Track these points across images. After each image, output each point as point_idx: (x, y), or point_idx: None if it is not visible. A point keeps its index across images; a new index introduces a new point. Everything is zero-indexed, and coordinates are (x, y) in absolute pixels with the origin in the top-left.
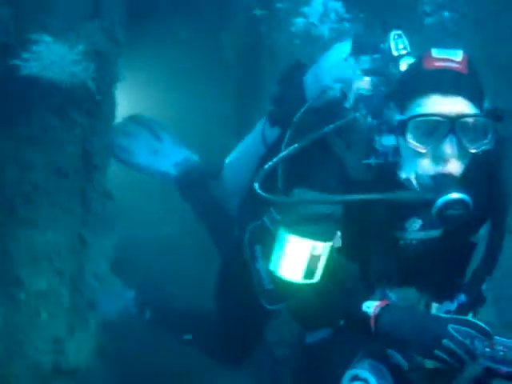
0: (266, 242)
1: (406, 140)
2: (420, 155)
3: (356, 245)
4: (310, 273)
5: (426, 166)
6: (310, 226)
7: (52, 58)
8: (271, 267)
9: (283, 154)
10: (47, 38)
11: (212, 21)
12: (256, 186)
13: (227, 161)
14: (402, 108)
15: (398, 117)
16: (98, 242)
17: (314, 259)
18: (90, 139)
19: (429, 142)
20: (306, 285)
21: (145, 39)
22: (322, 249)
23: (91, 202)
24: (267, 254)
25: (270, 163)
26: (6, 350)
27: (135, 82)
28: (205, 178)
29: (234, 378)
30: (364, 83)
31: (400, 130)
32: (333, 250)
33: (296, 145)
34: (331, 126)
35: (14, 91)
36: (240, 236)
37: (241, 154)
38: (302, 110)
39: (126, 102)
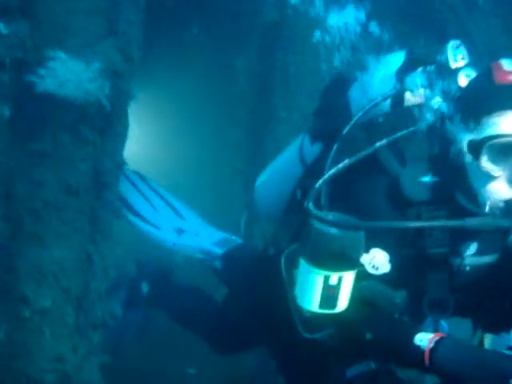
0: None
1: (479, 162)
2: (493, 178)
3: (406, 270)
4: (327, 302)
5: (500, 189)
6: (327, 256)
7: (67, 75)
8: (294, 294)
9: (332, 171)
10: (63, 55)
11: (226, 46)
12: (311, 206)
13: (258, 182)
14: (471, 126)
15: (467, 136)
16: (104, 260)
17: (330, 288)
18: (101, 158)
19: (505, 164)
20: (338, 314)
21: (158, 61)
22: (339, 279)
23: (100, 220)
24: None
25: (320, 181)
26: (8, 368)
27: (147, 105)
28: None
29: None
30: (417, 97)
31: (472, 151)
32: (372, 277)
33: (346, 161)
34: (384, 140)
35: (29, 107)
36: (276, 259)
37: (274, 175)
38: (351, 124)
39: (136, 125)
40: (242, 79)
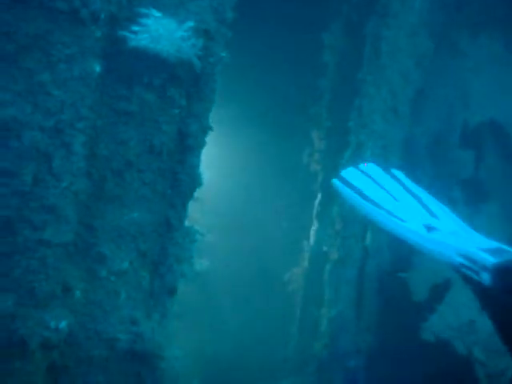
0: None
1: None
2: None
3: None
4: None
5: None
6: None
7: (161, 31)
8: None
9: None
10: (156, 13)
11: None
12: None
13: None
14: None
15: None
16: (183, 226)
17: None
18: (187, 120)
19: None
20: None
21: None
22: None
23: (182, 184)
24: None
25: None
26: (82, 326)
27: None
28: None
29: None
30: None
31: None
32: None
33: None
34: None
35: (119, 65)
36: None
37: None
38: None
39: None
40: (326, 53)
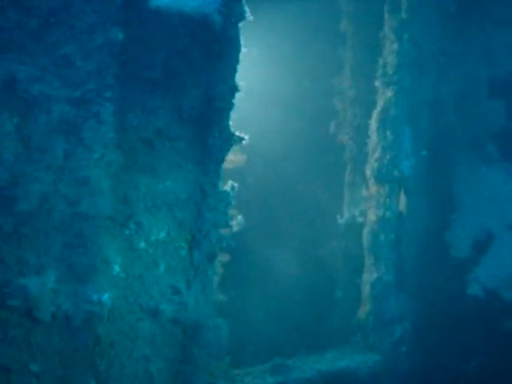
0: None
1: None
2: None
3: None
4: None
5: None
6: None
7: None
8: None
9: None
10: None
11: None
12: None
13: None
14: None
15: None
16: (218, 190)
17: None
18: (213, 82)
19: None
20: None
21: None
22: None
23: (212, 148)
24: None
25: None
26: (124, 299)
27: None
28: None
29: None
30: None
31: None
32: None
33: None
34: None
35: (141, 32)
36: None
37: None
38: None
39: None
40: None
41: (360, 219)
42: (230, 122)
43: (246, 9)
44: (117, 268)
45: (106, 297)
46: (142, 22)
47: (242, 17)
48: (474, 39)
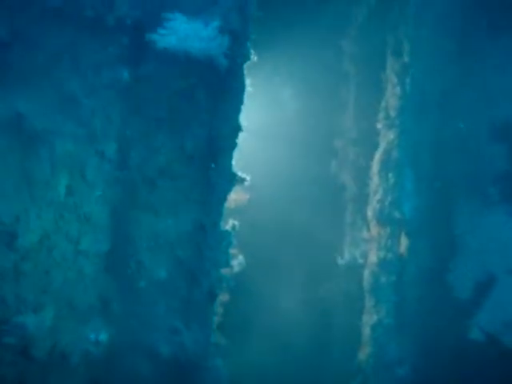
0: None
1: None
2: None
3: None
4: None
5: None
6: None
7: (187, 32)
8: None
9: None
10: (181, 17)
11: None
12: None
13: None
14: None
15: None
16: (218, 230)
17: None
18: (217, 122)
19: None
20: None
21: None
22: None
23: (215, 188)
24: None
25: None
26: (122, 339)
27: None
28: None
29: None
30: None
31: None
32: None
33: None
34: None
35: (146, 71)
36: None
37: None
38: None
39: None
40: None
41: (360, 260)
42: (233, 162)
43: (250, 52)
44: (116, 307)
45: (103, 336)
46: (148, 61)
47: (247, 58)
48: (475, 83)
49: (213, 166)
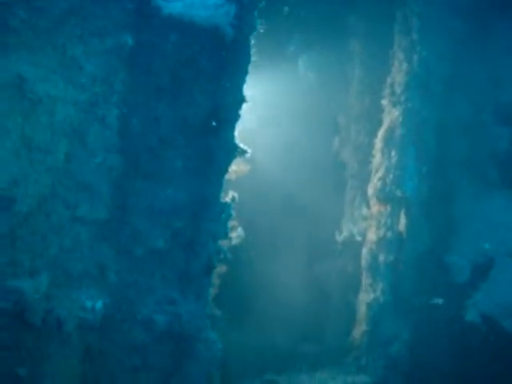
0: None
1: None
2: None
3: None
4: None
5: None
6: None
7: None
8: None
9: None
10: None
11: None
12: None
13: None
14: None
15: None
16: (219, 201)
17: None
18: (220, 93)
19: None
20: None
21: None
22: None
23: (216, 159)
24: None
25: None
26: (118, 308)
27: None
28: None
29: None
30: None
31: None
32: None
33: None
34: None
35: (150, 38)
36: None
37: None
38: None
39: None
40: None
41: (358, 238)
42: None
43: (257, 22)
44: (112, 276)
45: (99, 304)
46: (152, 28)
47: (253, 28)
48: (482, 64)
49: (215, 136)
